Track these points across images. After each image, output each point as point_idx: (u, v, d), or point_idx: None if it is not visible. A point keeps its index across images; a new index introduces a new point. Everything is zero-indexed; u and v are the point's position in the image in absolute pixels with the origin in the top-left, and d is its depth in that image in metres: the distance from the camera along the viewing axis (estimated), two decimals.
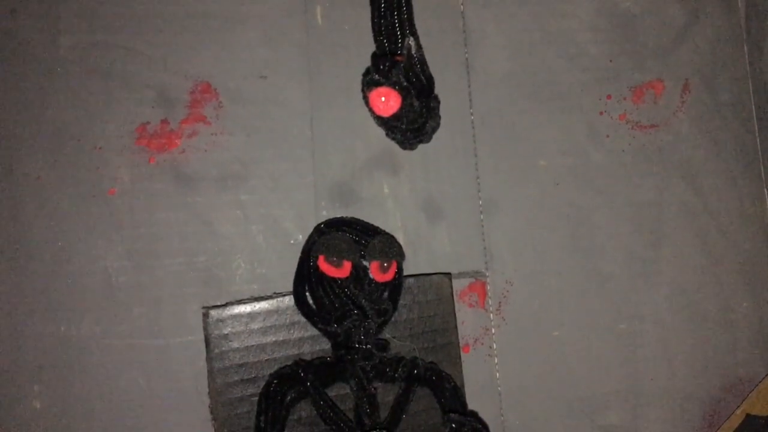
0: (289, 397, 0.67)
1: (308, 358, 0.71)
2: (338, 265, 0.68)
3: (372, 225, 0.75)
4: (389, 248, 0.70)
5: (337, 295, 0.69)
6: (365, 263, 0.71)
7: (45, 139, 0.74)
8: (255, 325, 0.71)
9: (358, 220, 0.75)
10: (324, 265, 0.69)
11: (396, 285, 0.72)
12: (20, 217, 0.72)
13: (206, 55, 0.77)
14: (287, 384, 0.67)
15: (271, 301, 0.71)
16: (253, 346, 0.70)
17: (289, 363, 0.70)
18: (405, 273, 0.74)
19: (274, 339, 0.71)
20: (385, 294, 0.71)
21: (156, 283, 0.73)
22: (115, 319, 0.72)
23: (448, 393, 0.70)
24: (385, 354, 0.70)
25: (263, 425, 0.66)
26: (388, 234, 0.73)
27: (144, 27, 0.76)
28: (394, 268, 0.71)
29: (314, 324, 0.70)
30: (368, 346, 0.68)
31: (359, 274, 0.70)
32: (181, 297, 0.73)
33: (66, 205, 0.73)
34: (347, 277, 0.69)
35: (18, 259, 0.72)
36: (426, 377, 0.70)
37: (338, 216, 0.76)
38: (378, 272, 0.70)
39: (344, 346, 0.69)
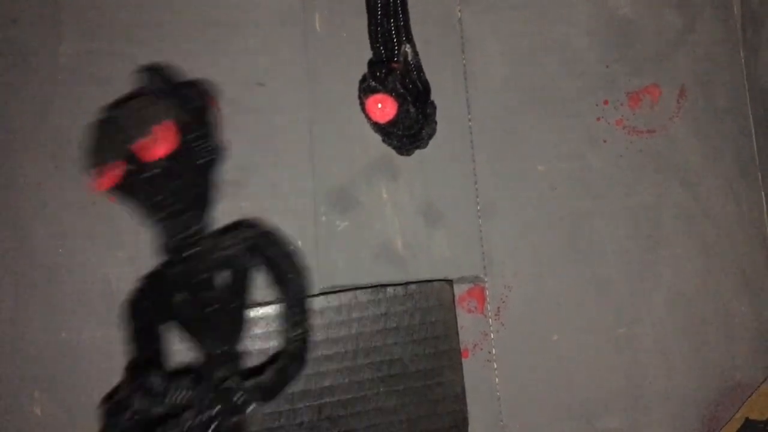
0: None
1: (309, 363, 0.71)
2: (101, 174, 0.56)
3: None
4: (143, 114, 0.56)
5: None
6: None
7: (45, 145, 0.74)
8: (257, 331, 0.71)
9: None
10: (92, 183, 0.58)
11: (194, 150, 0.58)
12: (20, 224, 0.73)
13: (205, 62, 0.77)
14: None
15: (272, 307, 0.71)
16: (255, 351, 0.71)
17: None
18: (405, 279, 0.74)
19: (275, 344, 0.71)
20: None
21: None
22: (115, 326, 0.72)
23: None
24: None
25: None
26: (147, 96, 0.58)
27: (144, 35, 0.77)
28: (170, 132, 0.56)
29: None
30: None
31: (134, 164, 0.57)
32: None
33: (66, 212, 0.73)
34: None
35: (18, 265, 0.72)
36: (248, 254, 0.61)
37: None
38: (148, 151, 0.56)
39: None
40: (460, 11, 0.81)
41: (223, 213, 0.74)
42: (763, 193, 0.83)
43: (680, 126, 0.82)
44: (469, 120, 0.79)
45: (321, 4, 0.78)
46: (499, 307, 0.77)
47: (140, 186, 0.56)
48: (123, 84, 0.75)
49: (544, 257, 0.79)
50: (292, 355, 0.61)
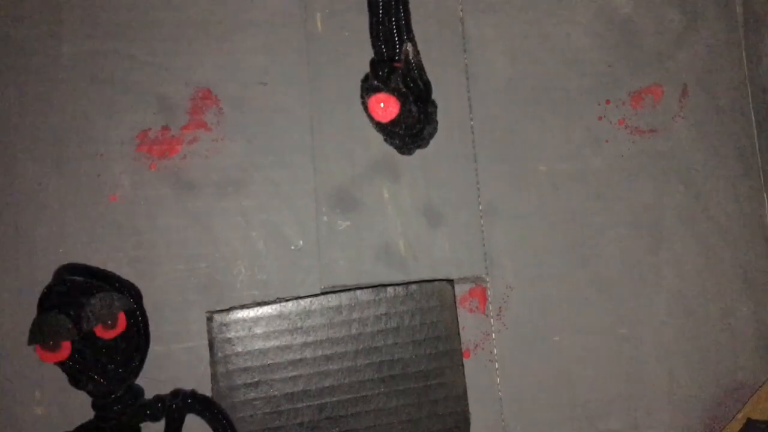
0: None
1: (310, 363, 0.71)
2: (56, 349, 0.65)
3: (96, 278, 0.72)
4: (105, 307, 0.67)
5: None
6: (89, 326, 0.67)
7: (46, 145, 0.74)
8: (258, 330, 0.71)
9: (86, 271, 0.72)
10: (41, 353, 0.66)
11: (134, 333, 0.70)
12: (22, 224, 0.73)
13: (207, 61, 0.77)
14: None
15: (274, 306, 0.71)
16: (256, 350, 0.71)
17: (292, 368, 0.71)
18: (406, 279, 0.74)
19: (276, 344, 0.71)
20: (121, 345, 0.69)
21: (157, 289, 0.73)
22: None
23: (217, 419, 0.69)
24: (140, 400, 0.70)
25: None
26: (104, 292, 0.68)
27: (145, 34, 0.77)
28: (122, 320, 0.68)
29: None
30: (115, 406, 0.68)
31: (87, 338, 0.67)
32: (182, 303, 0.73)
33: (67, 212, 0.73)
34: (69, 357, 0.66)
35: (19, 265, 0.72)
36: (186, 407, 0.70)
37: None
38: (105, 332, 0.67)
39: (100, 407, 0.69)
40: (461, 11, 0.80)
41: (225, 212, 0.75)
42: (765, 193, 0.83)
43: (682, 126, 0.82)
44: (471, 120, 0.79)
45: (322, 3, 0.78)
46: (500, 307, 0.77)
47: (87, 358, 0.67)
48: (124, 83, 0.75)
49: (545, 257, 0.79)
50: None
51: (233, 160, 0.76)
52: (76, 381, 0.68)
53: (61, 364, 0.67)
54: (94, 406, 0.69)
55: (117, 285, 0.71)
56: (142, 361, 0.71)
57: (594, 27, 0.83)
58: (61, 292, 0.68)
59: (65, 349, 0.65)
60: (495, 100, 0.80)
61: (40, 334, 0.65)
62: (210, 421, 0.69)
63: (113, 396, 0.68)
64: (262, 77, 0.78)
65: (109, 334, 0.67)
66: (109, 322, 0.67)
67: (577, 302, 0.78)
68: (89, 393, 0.68)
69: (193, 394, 0.70)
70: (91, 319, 0.66)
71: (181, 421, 0.70)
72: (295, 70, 0.78)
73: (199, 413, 0.69)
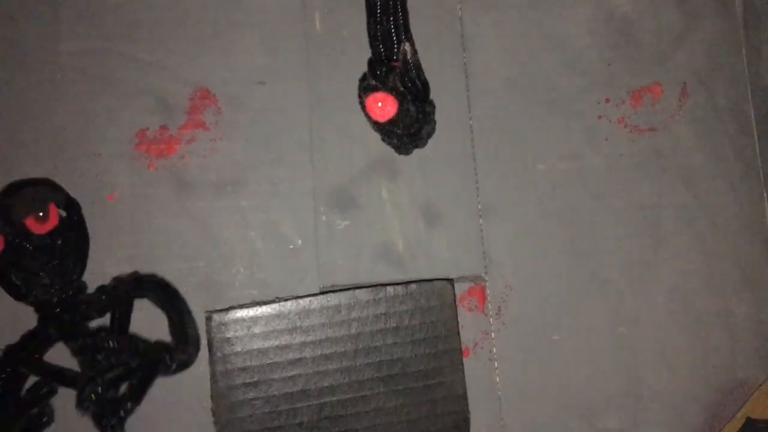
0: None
1: (309, 362, 0.71)
2: None
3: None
4: (33, 196, 0.68)
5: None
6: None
7: (45, 145, 0.74)
8: (257, 329, 0.71)
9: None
10: None
11: (68, 221, 0.69)
12: None
13: (205, 61, 0.77)
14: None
15: (273, 306, 0.71)
16: (254, 349, 0.71)
17: (291, 367, 0.71)
18: (405, 278, 0.74)
19: (275, 343, 0.71)
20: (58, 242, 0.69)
21: None
22: None
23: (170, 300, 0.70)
24: (82, 296, 0.69)
25: None
26: (30, 182, 0.70)
27: (143, 34, 0.77)
28: (53, 212, 0.68)
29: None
30: (60, 296, 0.68)
31: (20, 237, 0.67)
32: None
33: None
34: (4, 249, 0.67)
35: None
36: (131, 292, 0.70)
37: None
38: (37, 225, 0.67)
39: (43, 310, 0.68)
40: (460, 10, 0.80)
41: (223, 211, 0.75)
42: (764, 192, 0.82)
43: (682, 124, 0.82)
44: (470, 119, 0.79)
45: (321, 3, 0.78)
46: (500, 306, 0.77)
47: (24, 255, 0.67)
48: (122, 82, 0.75)
49: (544, 256, 0.78)
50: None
51: (232, 159, 0.76)
52: (10, 285, 0.68)
53: None
54: (37, 310, 0.69)
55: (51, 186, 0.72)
56: (81, 258, 0.70)
57: (593, 26, 0.83)
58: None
59: None
60: (494, 99, 0.80)
61: None
62: (161, 304, 0.70)
63: (60, 295, 0.68)
64: (260, 77, 0.78)
65: (41, 228, 0.67)
66: (41, 214, 0.67)
67: (577, 301, 0.78)
68: (28, 297, 0.68)
69: (137, 276, 0.70)
70: (20, 211, 0.67)
71: (129, 312, 0.70)
72: (294, 69, 0.78)
73: (148, 296, 0.70)
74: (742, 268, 0.81)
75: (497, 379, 0.76)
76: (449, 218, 0.77)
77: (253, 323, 0.71)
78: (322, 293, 0.73)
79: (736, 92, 0.83)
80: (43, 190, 0.68)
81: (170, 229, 0.74)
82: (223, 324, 0.71)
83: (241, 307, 0.72)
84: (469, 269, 0.76)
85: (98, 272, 0.72)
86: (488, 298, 0.77)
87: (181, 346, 0.69)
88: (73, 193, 0.73)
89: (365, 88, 0.70)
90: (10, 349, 0.67)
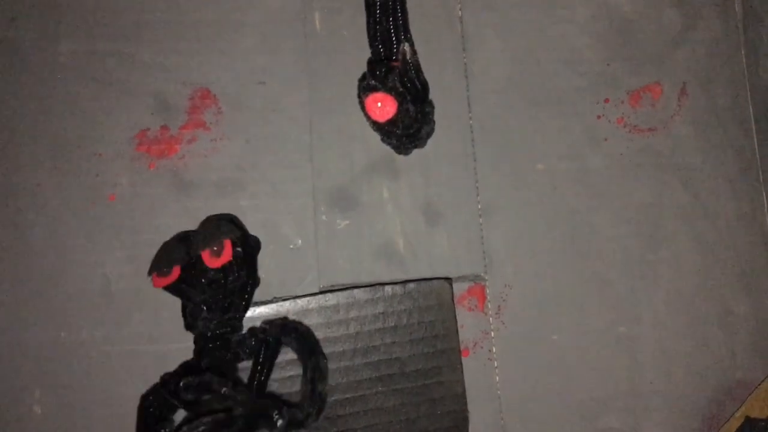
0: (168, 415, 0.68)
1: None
2: (168, 274, 0.68)
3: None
4: (213, 231, 0.69)
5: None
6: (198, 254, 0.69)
7: (45, 145, 0.74)
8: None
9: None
10: (156, 279, 0.68)
11: (240, 260, 0.69)
12: (20, 224, 0.73)
13: (205, 61, 0.77)
14: (161, 407, 0.67)
15: (271, 306, 0.72)
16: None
17: (289, 367, 0.71)
18: (405, 278, 0.74)
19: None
20: (232, 274, 0.69)
21: (155, 288, 0.73)
22: (115, 325, 0.72)
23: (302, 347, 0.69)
24: (239, 334, 0.69)
25: None
26: (215, 218, 0.72)
27: (143, 34, 0.77)
28: (228, 248, 0.68)
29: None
30: (216, 332, 0.68)
31: (196, 268, 0.69)
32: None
33: (66, 211, 0.73)
34: (177, 280, 0.68)
35: (18, 265, 0.72)
36: (275, 337, 0.69)
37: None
38: (212, 259, 0.68)
39: (198, 343, 0.68)
40: (460, 9, 0.81)
41: (223, 211, 0.75)
42: (763, 191, 0.82)
43: (681, 124, 0.82)
44: (470, 119, 0.79)
45: (321, 3, 0.78)
46: (499, 306, 0.77)
47: (194, 286, 0.68)
48: (122, 83, 0.75)
49: (544, 256, 0.79)
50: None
51: (232, 159, 0.76)
52: (185, 313, 0.69)
53: (171, 288, 0.69)
54: (195, 342, 0.69)
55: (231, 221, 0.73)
56: (247, 297, 0.71)
57: (593, 26, 0.83)
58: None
59: (175, 273, 0.68)
60: (494, 99, 0.80)
61: (158, 261, 0.68)
62: (301, 354, 0.69)
63: (216, 331, 0.68)
64: (260, 77, 0.78)
65: (215, 262, 0.68)
66: (215, 248, 0.68)
67: (576, 301, 0.78)
68: (192, 328, 0.69)
69: (284, 322, 0.70)
70: (199, 243, 0.68)
71: (274, 357, 0.69)
72: (294, 69, 0.78)
73: (291, 344, 0.69)
74: (741, 267, 0.81)
75: (497, 378, 0.76)
76: (449, 218, 0.77)
77: (252, 323, 0.71)
78: (321, 293, 0.73)
79: (735, 92, 0.84)
80: (223, 225, 0.70)
81: (171, 228, 0.74)
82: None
83: None
84: (469, 269, 0.76)
85: (98, 272, 0.73)
86: (488, 297, 0.78)
87: (305, 402, 0.66)
88: (73, 194, 0.74)
89: (365, 88, 0.70)
90: (169, 378, 0.67)
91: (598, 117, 0.81)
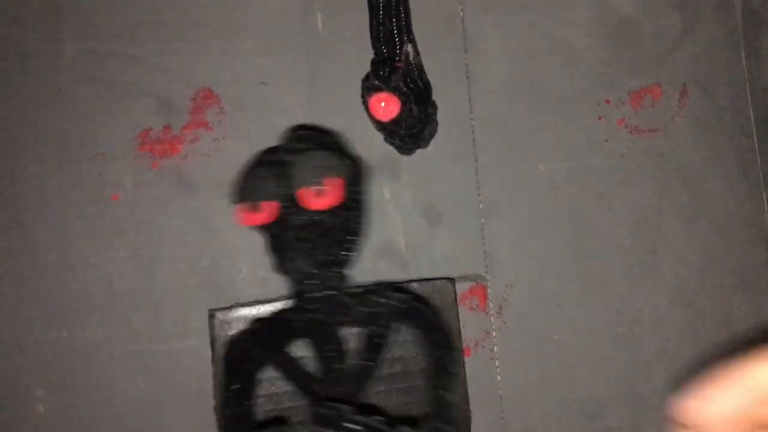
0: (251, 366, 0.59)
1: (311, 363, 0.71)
2: (255, 209, 0.57)
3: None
4: (317, 163, 0.56)
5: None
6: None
7: (48, 145, 0.74)
8: None
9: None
10: (242, 217, 0.58)
11: (353, 212, 0.58)
12: (23, 223, 0.73)
13: (208, 61, 0.77)
14: (243, 356, 0.59)
15: (274, 304, 0.72)
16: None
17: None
18: (407, 278, 0.74)
19: None
20: (333, 224, 0.57)
21: (158, 287, 0.73)
22: (117, 324, 0.73)
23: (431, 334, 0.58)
24: (342, 295, 0.58)
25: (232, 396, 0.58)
26: (316, 139, 0.59)
27: (146, 35, 0.77)
28: (335, 188, 0.56)
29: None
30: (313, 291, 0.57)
31: (291, 207, 0.57)
32: (183, 301, 0.73)
33: (68, 211, 0.73)
34: (272, 223, 0.57)
35: (21, 264, 0.72)
36: (392, 315, 0.59)
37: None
38: (313, 199, 0.56)
39: (293, 295, 0.59)
40: (462, 11, 0.81)
41: (226, 211, 0.75)
42: (763, 192, 0.83)
43: (682, 125, 0.83)
44: (471, 119, 0.79)
45: (323, 3, 0.79)
46: (501, 306, 0.78)
47: (290, 230, 0.57)
48: (125, 83, 0.76)
49: (545, 256, 0.79)
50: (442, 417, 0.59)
51: (234, 159, 0.76)
52: (274, 257, 0.58)
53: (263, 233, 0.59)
54: (291, 293, 0.58)
55: (343, 152, 0.60)
56: (354, 248, 0.60)
57: (594, 27, 0.83)
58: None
59: (266, 213, 0.58)
60: (495, 99, 0.80)
61: (242, 191, 0.58)
62: (426, 348, 0.60)
63: (312, 282, 0.57)
64: (263, 77, 0.78)
65: (318, 203, 0.56)
66: (320, 187, 0.55)
67: (577, 300, 0.79)
68: (287, 275, 0.58)
69: (408, 298, 0.59)
70: (299, 176, 0.55)
71: (385, 337, 0.60)
72: (296, 70, 0.78)
73: (412, 330, 0.59)
74: (742, 267, 0.81)
75: (498, 378, 0.77)
76: (451, 218, 0.77)
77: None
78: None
79: (735, 93, 0.84)
80: (331, 157, 0.57)
81: (173, 228, 0.74)
82: (226, 322, 0.71)
83: (244, 305, 0.72)
84: (471, 268, 0.77)
85: (101, 272, 0.73)
86: (489, 297, 0.78)
87: (435, 416, 0.57)
88: (76, 194, 0.74)
89: (368, 88, 0.70)
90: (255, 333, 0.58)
91: (599, 118, 0.82)
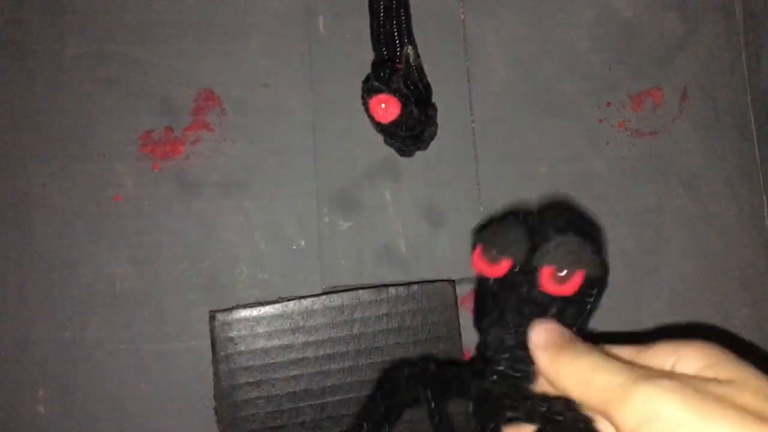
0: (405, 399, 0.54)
1: (311, 362, 0.71)
2: (495, 261, 0.51)
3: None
4: (573, 253, 0.50)
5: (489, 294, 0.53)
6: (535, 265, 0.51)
7: (49, 146, 0.74)
8: (260, 329, 0.71)
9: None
10: (478, 260, 0.52)
11: (578, 303, 0.52)
12: (25, 224, 0.73)
13: (210, 63, 0.78)
14: (407, 387, 0.53)
15: (275, 306, 0.72)
16: (258, 349, 0.71)
17: (294, 367, 0.71)
18: (407, 280, 0.74)
19: (278, 343, 0.71)
20: (553, 310, 0.51)
21: (159, 288, 0.74)
22: (119, 325, 0.73)
23: None
24: (524, 383, 0.50)
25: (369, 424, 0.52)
26: (579, 236, 0.51)
27: (148, 36, 0.77)
28: (577, 281, 0.49)
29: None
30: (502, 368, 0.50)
31: (521, 278, 0.52)
32: (185, 302, 0.74)
33: (70, 212, 0.74)
34: (501, 278, 0.51)
35: (22, 265, 0.73)
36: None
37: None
38: (550, 281, 0.50)
39: (482, 358, 0.52)
40: (462, 13, 0.81)
41: (227, 212, 0.75)
42: (764, 195, 0.83)
43: (682, 128, 0.83)
44: (472, 122, 0.79)
45: (324, 6, 0.79)
46: None
47: (512, 297, 0.52)
48: (126, 84, 0.76)
49: None
50: None
51: (236, 160, 0.76)
52: (481, 311, 0.52)
53: (481, 285, 0.53)
54: (478, 355, 0.52)
55: (598, 247, 0.53)
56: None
57: (594, 30, 0.83)
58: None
59: (501, 268, 0.51)
60: (496, 101, 0.81)
61: (490, 237, 0.52)
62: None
63: (506, 357, 0.50)
64: (264, 79, 0.78)
65: (553, 287, 0.50)
66: (565, 272, 0.49)
67: None
68: (484, 335, 0.51)
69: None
70: (547, 255, 0.50)
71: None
72: (297, 72, 0.78)
73: None
74: (742, 271, 0.81)
75: None
76: (451, 220, 0.77)
77: (257, 323, 0.71)
78: (325, 293, 0.73)
79: (736, 96, 0.84)
80: (587, 249, 0.50)
81: (174, 229, 0.75)
82: (227, 323, 0.71)
83: (245, 306, 0.72)
84: (472, 271, 0.76)
85: (103, 273, 0.73)
86: None
87: None
88: (77, 195, 0.74)
89: (369, 89, 0.70)
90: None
91: (600, 120, 0.82)
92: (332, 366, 0.71)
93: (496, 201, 0.79)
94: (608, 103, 0.82)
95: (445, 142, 0.78)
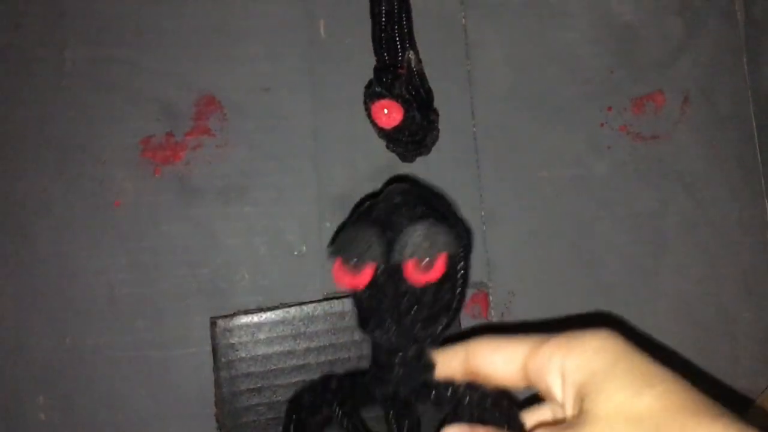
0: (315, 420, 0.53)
1: (313, 368, 0.71)
2: (357, 270, 0.51)
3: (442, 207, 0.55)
4: (429, 238, 0.50)
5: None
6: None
7: (50, 151, 0.74)
8: (261, 335, 0.71)
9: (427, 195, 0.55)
10: (340, 274, 0.51)
11: (450, 278, 0.51)
12: (25, 229, 0.73)
13: (210, 68, 0.77)
14: (312, 407, 0.53)
15: (277, 312, 0.72)
16: (259, 355, 0.71)
17: (295, 373, 0.70)
18: None
19: (279, 349, 0.71)
20: (429, 295, 0.51)
21: (160, 294, 0.73)
22: (119, 331, 0.72)
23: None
24: (428, 375, 0.50)
25: None
26: (433, 222, 0.51)
27: (148, 41, 0.77)
28: (441, 264, 0.50)
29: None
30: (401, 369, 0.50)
31: (388, 278, 0.51)
32: (185, 308, 0.73)
33: (71, 217, 0.74)
34: (368, 284, 0.51)
35: (23, 270, 0.72)
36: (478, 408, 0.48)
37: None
38: (416, 273, 0.50)
39: (377, 364, 0.52)
40: (464, 18, 0.81)
41: (228, 218, 0.75)
42: (765, 199, 0.83)
43: (684, 132, 0.82)
44: (474, 126, 0.79)
45: (325, 11, 0.79)
46: (503, 313, 0.77)
47: (385, 297, 0.51)
48: (127, 89, 0.76)
49: (547, 263, 0.79)
50: None
51: (236, 166, 0.76)
52: (363, 319, 0.52)
53: (354, 295, 0.52)
54: (373, 360, 0.52)
55: (451, 220, 0.53)
56: (447, 326, 0.51)
57: (596, 34, 0.83)
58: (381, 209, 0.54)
59: (365, 276, 0.51)
60: (497, 106, 0.80)
61: (345, 246, 0.51)
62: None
63: (398, 355, 0.50)
64: (265, 84, 0.78)
65: (419, 277, 0.50)
66: (424, 262, 0.50)
67: (579, 308, 0.78)
68: (373, 340, 0.52)
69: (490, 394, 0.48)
70: (404, 248, 0.50)
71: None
72: (298, 76, 0.78)
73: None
74: (744, 274, 0.81)
75: None
76: None
77: (258, 329, 0.71)
78: (327, 299, 0.73)
79: (737, 100, 0.84)
80: (441, 233, 0.51)
81: (175, 235, 0.75)
82: (228, 330, 0.71)
83: (246, 313, 0.72)
84: (473, 276, 0.76)
85: (103, 278, 0.73)
86: (491, 304, 0.78)
87: None
88: (78, 200, 0.74)
89: (371, 94, 0.70)
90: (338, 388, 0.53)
91: (601, 125, 0.82)
92: (333, 371, 0.71)
93: (498, 206, 0.79)
94: (609, 108, 0.82)
95: (446, 147, 0.77)
